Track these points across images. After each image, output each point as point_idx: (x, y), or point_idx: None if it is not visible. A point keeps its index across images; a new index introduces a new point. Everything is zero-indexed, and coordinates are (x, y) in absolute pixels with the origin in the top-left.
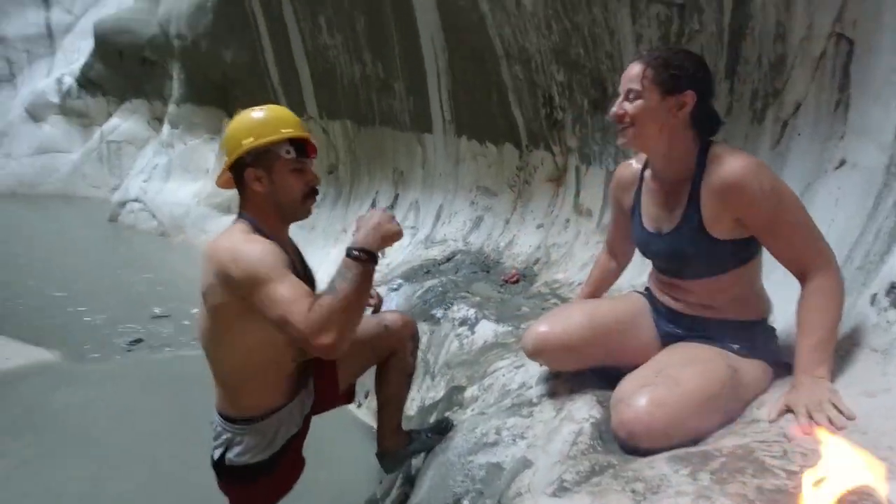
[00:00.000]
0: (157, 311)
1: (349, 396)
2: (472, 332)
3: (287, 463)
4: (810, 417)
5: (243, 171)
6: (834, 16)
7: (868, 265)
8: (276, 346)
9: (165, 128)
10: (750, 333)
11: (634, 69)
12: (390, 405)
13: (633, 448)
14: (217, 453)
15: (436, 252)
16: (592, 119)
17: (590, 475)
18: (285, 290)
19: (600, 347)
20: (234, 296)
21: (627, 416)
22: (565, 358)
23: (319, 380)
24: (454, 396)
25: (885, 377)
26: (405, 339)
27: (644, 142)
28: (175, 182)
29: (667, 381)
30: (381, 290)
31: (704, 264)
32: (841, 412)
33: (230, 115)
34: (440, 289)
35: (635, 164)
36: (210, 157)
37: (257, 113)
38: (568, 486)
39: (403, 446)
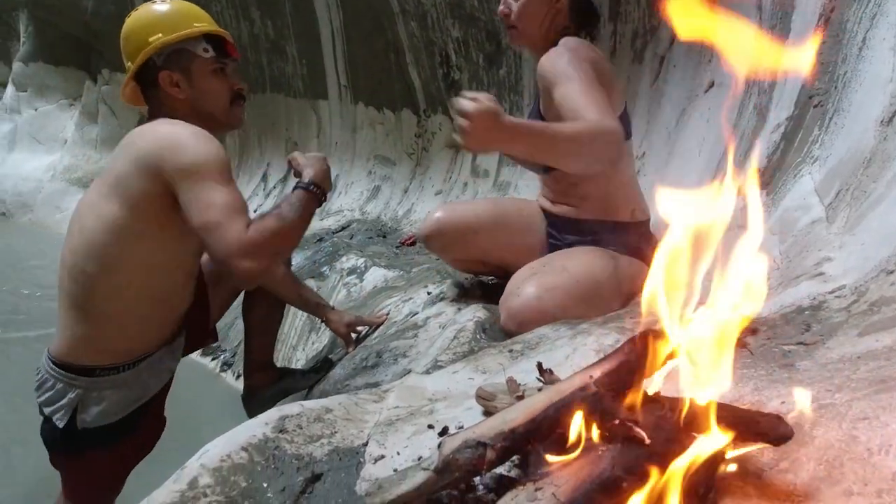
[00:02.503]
0: None
1: (215, 335)
2: (361, 280)
3: (151, 420)
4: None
5: (154, 75)
6: None
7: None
8: (178, 275)
9: (9, 90)
10: (624, 235)
11: None
12: (258, 333)
13: None
14: (62, 419)
15: (330, 222)
16: (488, 75)
17: (467, 354)
18: (228, 195)
19: (496, 236)
20: (155, 189)
21: (517, 306)
22: (461, 243)
23: (191, 315)
24: (337, 339)
25: None
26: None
27: (528, 37)
28: (22, 153)
29: (553, 268)
30: None
31: None
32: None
33: (93, 78)
34: (330, 248)
35: None
36: (68, 125)
37: (160, 6)
38: (442, 365)
39: (271, 384)
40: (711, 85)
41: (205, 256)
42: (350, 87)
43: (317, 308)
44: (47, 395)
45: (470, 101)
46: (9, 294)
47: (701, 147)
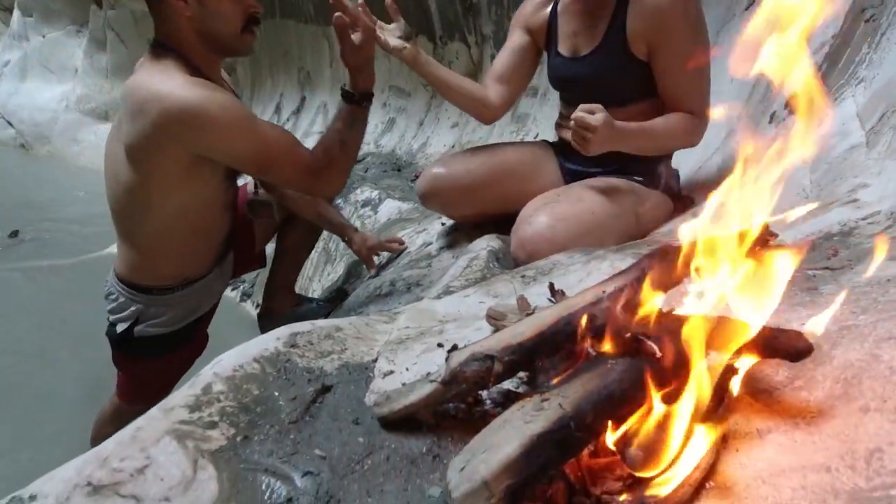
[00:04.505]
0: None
1: (262, 259)
2: (376, 212)
3: (198, 337)
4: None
5: None
6: None
7: (768, 94)
8: (214, 210)
9: (16, 15)
10: (653, 167)
11: None
12: (286, 257)
13: None
14: (122, 327)
15: None
16: None
17: (479, 280)
18: (272, 135)
19: (500, 189)
20: (183, 152)
21: (528, 234)
22: (462, 201)
23: (238, 242)
24: (352, 269)
25: None
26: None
27: None
28: (34, 83)
29: (569, 198)
30: None
31: (622, 88)
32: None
33: (97, 2)
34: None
35: None
36: (76, 52)
37: None
38: (454, 290)
39: (290, 308)
40: (752, 2)
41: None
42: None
43: (340, 228)
44: (113, 304)
45: (591, 116)
46: (40, 225)
47: None
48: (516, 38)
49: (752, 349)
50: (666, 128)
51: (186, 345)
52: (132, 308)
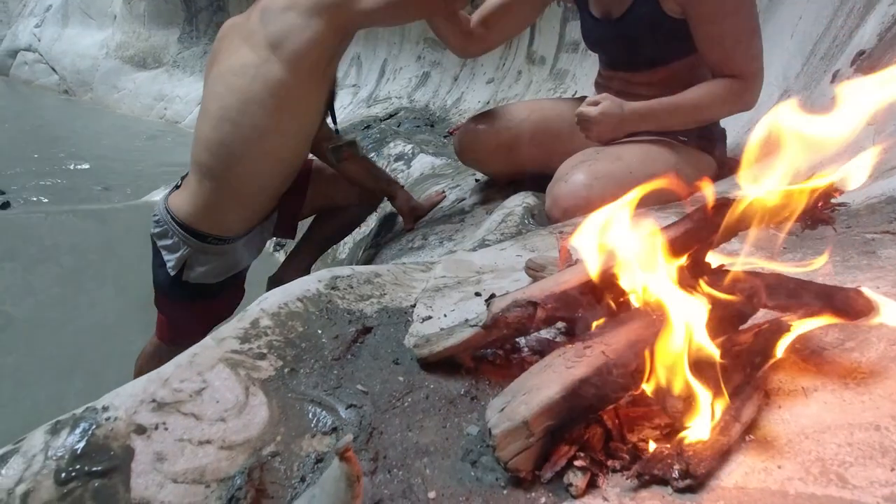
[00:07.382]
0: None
1: (294, 231)
2: (409, 167)
3: (237, 288)
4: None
5: None
6: None
7: (833, 50)
8: (303, 149)
9: None
10: (698, 127)
11: None
12: (313, 243)
13: None
14: (174, 268)
15: (378, 110)
16: None
17: (514, 235)
18: None
19: (539, 147)
20: (326, 39)
21: (563, 192)
22: (500, 158)
23: (285, 202)
24: (384, 223)
25: None
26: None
27: None
28: (75, 28)
29: (608, 156)
30: None
31: (658, 48)
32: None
33: None
34: (377, 135)
35: None
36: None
37: None
38: (490, 243)
39: None
40: None
41: (317, 161)
42: None
43: (387, 184)
44: (167, 242)
45: (592, 108)
46: (97, 170)
47: (795, 28)
48: None
49: (806, 307)
50: (699, 99)
51: (226, 295)
52: (183, 251)
